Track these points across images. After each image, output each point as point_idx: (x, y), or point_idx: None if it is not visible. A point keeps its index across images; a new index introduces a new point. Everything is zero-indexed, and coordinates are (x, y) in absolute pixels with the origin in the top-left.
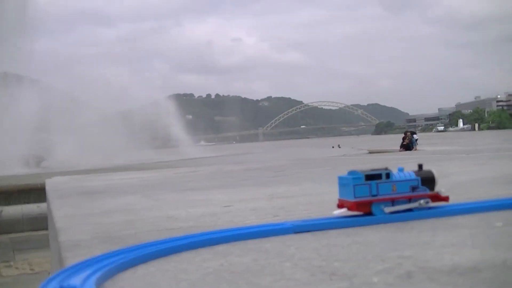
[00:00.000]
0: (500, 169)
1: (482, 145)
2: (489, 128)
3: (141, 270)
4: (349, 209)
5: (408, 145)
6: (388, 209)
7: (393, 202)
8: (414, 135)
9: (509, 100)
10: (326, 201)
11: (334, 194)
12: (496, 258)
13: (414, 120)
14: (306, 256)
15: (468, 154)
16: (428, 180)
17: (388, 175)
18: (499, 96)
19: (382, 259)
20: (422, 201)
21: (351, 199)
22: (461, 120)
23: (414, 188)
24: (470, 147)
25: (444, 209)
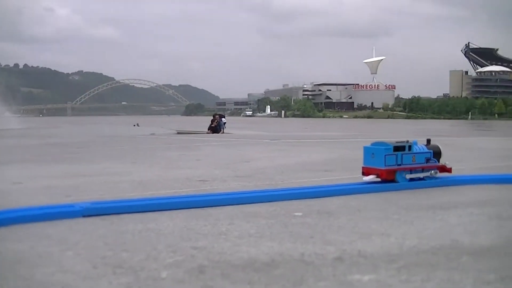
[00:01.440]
0: (298, 155)
1: (285, 132)
2: (294, 115)
3: None
4: (379, 176)
5: (216, 128)
6: (408, 176)
7: (411, 171)
8: (223, 119)
9: (314, 90)
10: (123, 182)
11: (133, 175)
12: (293, 251)
13: (224, 104)
14: (92, 244)
15: (272, 140)
16: (436, 154)
17: (410, 147)
18: (305, 86)
19: (173, 250)
20: (433, 171)
21: (382, 167)
22: (268, 106)
23: (427, 160)
24: (274, 133)
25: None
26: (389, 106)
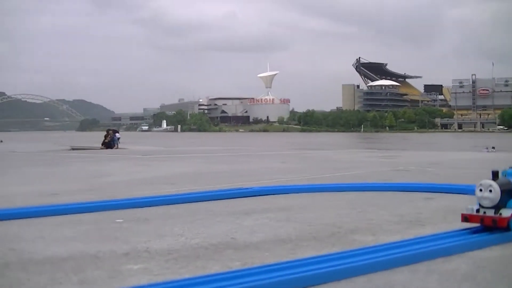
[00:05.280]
0: (158, 170)
1: (169, 147)
2: (190, 130)
3: None
4: None
5: (109, 143)
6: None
7: None
8: (117, 134)
9: (210, 105)
10: None
11: None
12: (93, 249)
13: (120, 119)
14: None
15: (144, 155)
16: (504, 192)
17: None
18: (201, 100)
19: None
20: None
21: None
22: (164, 121)
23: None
24: (160, 147)
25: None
26: (284, 120)
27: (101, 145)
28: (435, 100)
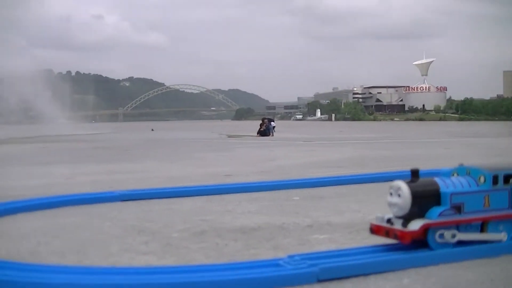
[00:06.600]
0: (321, 155)
1: (324, 134)
2: (344, 119)
3: None
4: None
5: (264, 131)
6: None
7: None
8: (272, 122)
9: (364, 93)
10: (158, 177)
11: (168, 172)
12: (278, 221)
13: (274, 108)
14: (125, 218)
15: (305, 141)
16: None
17: None
18: (355, 89)
19: (186, 221)
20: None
21: None
22: (318, 110)
23: None
24: (314, 135)
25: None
26: (441, 108)
27: (256, 133)
28: None
